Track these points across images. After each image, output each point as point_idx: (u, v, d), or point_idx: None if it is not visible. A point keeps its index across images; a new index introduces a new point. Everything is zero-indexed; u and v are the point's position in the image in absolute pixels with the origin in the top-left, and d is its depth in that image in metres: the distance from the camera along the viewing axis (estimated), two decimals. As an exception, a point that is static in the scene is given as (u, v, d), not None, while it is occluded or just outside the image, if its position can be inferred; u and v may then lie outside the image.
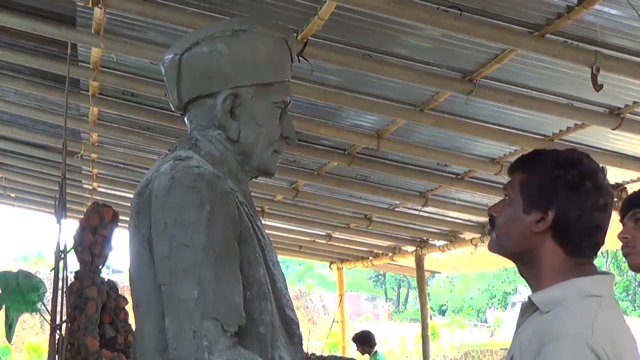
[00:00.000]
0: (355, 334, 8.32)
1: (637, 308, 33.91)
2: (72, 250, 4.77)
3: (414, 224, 7.47)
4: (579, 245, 1.52)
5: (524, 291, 32.54)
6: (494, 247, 1.62)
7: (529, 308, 1.54)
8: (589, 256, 1.54)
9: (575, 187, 1.50)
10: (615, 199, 5.18)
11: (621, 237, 2.10)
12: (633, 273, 2.56)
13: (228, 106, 1.60)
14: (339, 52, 3.53)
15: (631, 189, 4.95)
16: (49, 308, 3.64)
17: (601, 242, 1.55)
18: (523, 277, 1.61)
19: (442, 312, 45.33)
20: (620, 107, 3.81)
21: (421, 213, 6.68)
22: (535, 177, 1.54)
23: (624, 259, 2.19)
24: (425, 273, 8.73)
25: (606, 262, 34.31)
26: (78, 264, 4.97)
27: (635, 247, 2.08)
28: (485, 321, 40.09)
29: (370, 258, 9.60)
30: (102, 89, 4.79)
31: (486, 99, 3.82)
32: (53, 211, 3.66)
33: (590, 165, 1.54)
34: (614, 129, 3.92)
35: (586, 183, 1.50)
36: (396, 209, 6.87)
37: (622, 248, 2.12)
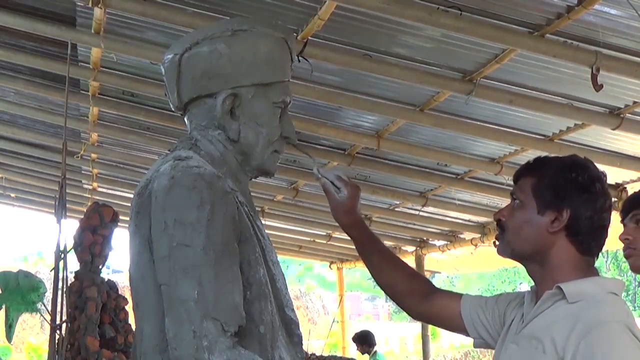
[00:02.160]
0: (355, 334, 8.33)
1: (637, 308, 33.83)
2: (72, 250, 4.76)
3: (414, 224, 7.47)
4: (589, 245, 1.62)
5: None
6: (506, 250, 1.68)
7: (552, 297, 1.60)
8: (595, 255, 1.65)
9: (587, 189, 1.61)
10: (615, 199, 5.22)
11: (622, 238, 2.06)
12: (631, 271, 2.54)
13: (228, 106, 1.60)
14: (339, 52, 3.53)
15: (631, 189, 4.95)
16: (49, 308, 3.64)
17: (604, 242, 1.65)
18: (533, 276, 1.68)
19: (442, 312, 45.25)
20: (620, 107, 3.81)
21: (421, 213, 6.69)
22: (548, 180, 1.63)
23: (624, 259, 2.17)
24: (426, 273, 8.73)
25: (606, 262, 34.26)
26: (78, 264, 4.96)
27: (637, 249, 2.05)
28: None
29: (370, 258, 9.58)
30: (102, 89, 4.79)
31: (486, 99, 3.83)
32: (53, 211, 3.66)
33: (595, 169, 1.65)
34: (614, 129, 3.92)
35: (596, 185, 1.62)
36: (396, 209, 6.87)
37: (624, 249, 2.08)
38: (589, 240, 1.62)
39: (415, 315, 1.96)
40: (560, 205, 1.60)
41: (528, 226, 1.64)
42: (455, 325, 1.87)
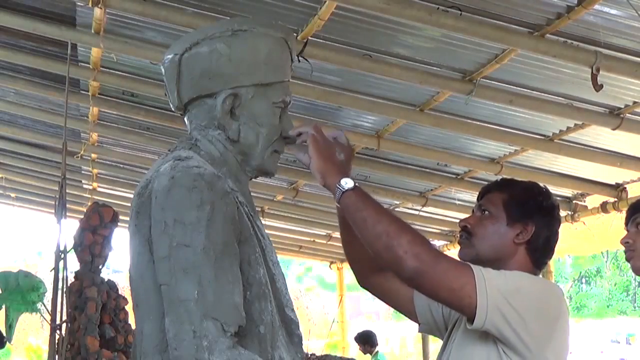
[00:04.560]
0: (358, 334, 8.33)
1: (637, 308, 33.77)
2: (72, 250, 4.76)
3: (414, 224, 7.45)
4: (541, 260, 1.88)
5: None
6: (470, 254, 1.86)
7: None
8: (541, 269, 1.91)
9: (550, 213, 1.89)
10: (615, 199, 5.22)
11: (623, 242, 2.14)
12: (633, 273, 2.57)
13: (228, 106, 1.60)
14: (339, 52, 3.53)
15: (631, 189, 4.95)
16: (49, 308, 3.64)
17: (550, 259, 1.94)
18: None
19: (442, 312, 45.19)
20: (620, 107, 3.81)
21: (421, 213, 6.68)
22: (519, 198, 1.87)
23: (623, 259, 2.21)
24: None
25: (606, 262, 34.24)
26: (78, 264, 4.96)
27: (636, 251, 2.11)
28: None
29: (371, 258, 9.57)
30: (102, 89, 4.79)
31: (486, 99, 3.82)
32: (53, 211, 3.66)
33: (555, 199, 1.94)
34: (614, 129, 3.92)
35: (555, 211, 1.91)
36: (396, 209, 6.86)
37: (625, 252, 2.15)
38: (542, 256, 1.87)
39: (365, 283, 2.07)
40: (527, 221, 1.83)
41: (497, 234, 1.84)
42: (403, 307, 2.03)
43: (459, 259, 1.83)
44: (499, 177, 4.98)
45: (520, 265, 1.82)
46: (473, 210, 1.95)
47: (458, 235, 1.95)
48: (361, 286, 2.08)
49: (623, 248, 2.16)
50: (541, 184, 1.95)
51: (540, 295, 1.73)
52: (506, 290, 1.64)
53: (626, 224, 2.17)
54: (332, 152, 1.73)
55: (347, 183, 1.66)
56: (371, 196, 1.69)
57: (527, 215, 1.83)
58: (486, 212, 1.88)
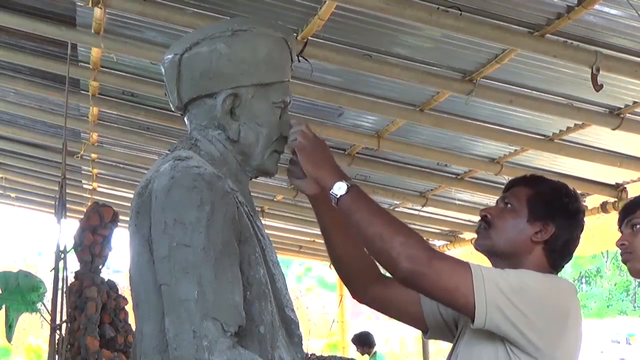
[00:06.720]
0: (355, 335, 8.32)
1: (637, 308, 33.74)
2: (72, 250, 4.76)
3: (414, 224, 7.46)
4: (559, 262, 1.85)
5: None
6: (486, 245, 1.84)
7: None
8: (559, 271, 1.88)
9: (573, 216, 1.85)
10: (615, 199, 5.22)
11: (619, 244, 2.12)
12: (632, 276, 2.57)
13: (228, 106, 1.60)
14: (339, 52, 3.53)
15: (631, 189, 4.95)
16: (49, 308, 3.64)
17: (568, 261, 1.89)
18: None
19: (442, 312, 45.12)
20: (620, 107, 3.81)
21: (421, 213, 6.68)
22: (544, 196, 1.83)
23: (624, 260, 2.19)
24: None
25: (606, 262, 34.22)
26: (78, 264, 4.96)
27: (633, 253, 2.09)
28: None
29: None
30: (102, 89, 4.79)
31: (486, 99, 3.82)
32: (53, 211, 3.66)
33: (582, 202, 1.90)
34: (614, 129, 3.92)
35: (580, 215, 1.87)
36: (396, 209, 6.86)
37: (622, 255, 2.13)
38: (560, 258, 1.84)
39: (363, 296, 1.96)
40: (548, 221, 1.80)
41: (515, 229, 1.81)
42: (410, 312, 1.94)
43: (458, 258, 1.77)
44: (498, 178, 5.03)
45: (536, 264, 1.78)
46: (497, 202, 1.92)
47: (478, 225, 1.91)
48: (360, 302, 1.98)
49: (620, 253, 2.15)
50: (570, 187, 1.90)
51: (548, 293, 1.70)
52: (509, 289, 1.62)
53: (620, 225, 2.15)
54: (322, 156, 1.69)
55: (340, 188, 1.64)
56: (366, 196, 1.66)
57: (549, 215, 1.80)
58: (509, 206, 1.84)
